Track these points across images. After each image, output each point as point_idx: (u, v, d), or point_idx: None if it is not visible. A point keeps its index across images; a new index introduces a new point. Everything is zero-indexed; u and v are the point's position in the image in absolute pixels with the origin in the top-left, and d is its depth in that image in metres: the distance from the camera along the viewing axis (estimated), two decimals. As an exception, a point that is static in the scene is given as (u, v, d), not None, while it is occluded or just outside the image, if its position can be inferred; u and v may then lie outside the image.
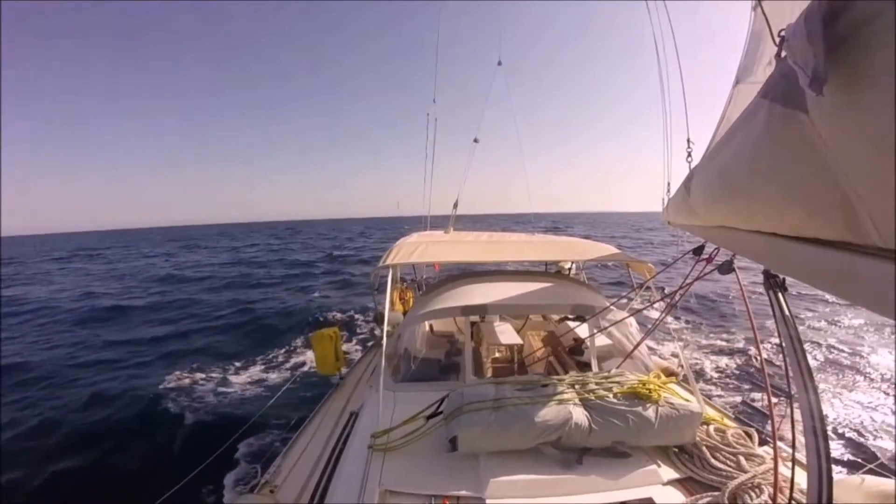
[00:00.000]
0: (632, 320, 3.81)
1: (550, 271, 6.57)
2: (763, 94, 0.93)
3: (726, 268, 1.88)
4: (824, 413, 1.12)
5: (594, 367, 3.54)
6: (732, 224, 1.22)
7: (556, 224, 66.12)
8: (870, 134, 0.63)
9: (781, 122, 0.83)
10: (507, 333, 4.55)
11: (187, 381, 9.07)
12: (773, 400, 2.18)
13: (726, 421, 2.90)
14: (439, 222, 7.27)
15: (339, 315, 14.36)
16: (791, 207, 0.87)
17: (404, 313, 5.85)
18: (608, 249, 4.79)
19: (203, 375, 9.37)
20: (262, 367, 9.90)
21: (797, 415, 1.19)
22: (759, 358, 2.22)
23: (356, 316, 14.05)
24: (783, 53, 0.89)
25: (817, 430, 1.10)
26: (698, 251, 2.32)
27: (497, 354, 4.92)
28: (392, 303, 7.51)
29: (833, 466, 1.08)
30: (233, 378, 9.19)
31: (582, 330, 4.41)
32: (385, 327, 3.52)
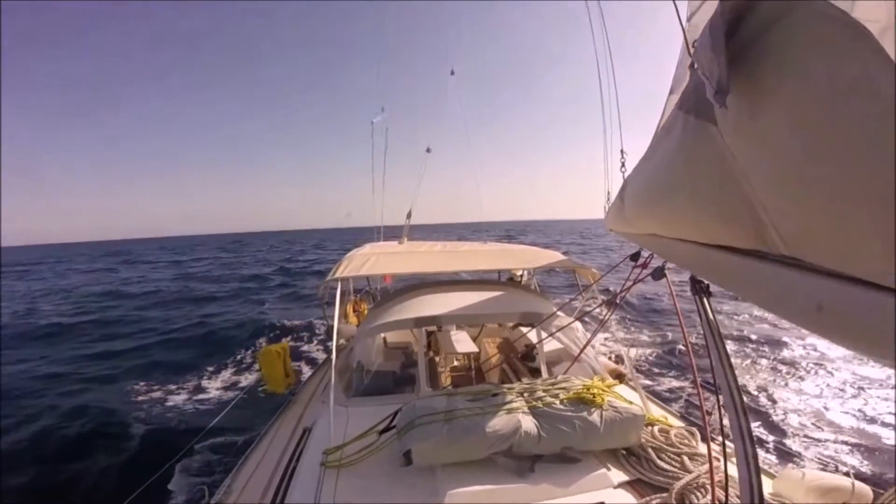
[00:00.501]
0: (578, 325, 3.91)
1: (503, 279, 6.67)
2: (679, 106, 0.95)
3: (658, 273, 1.95)
4: (766, 408, 1.15)
5: (544, 373, 3.59)
6: (660, 232, 1.25)
7: (509, 232, 67.38)
8: (769, 144, 0.64)
9: (694, 133, 0.85)
10: (463, 342, 4.57)
11: (135, 395, 8.73)
12: (709, 399, 2.27)
13: (671, 420, 3.00)
14: (395, 232, 7.22)
15: (290, 328, 13.99)
16: (706, 218, 0.89)
17: (359, 325, 5.75)
18: (556, 256, 4.95)
19: (151, 390, 9.03)
20: (213, 381, 9.60)
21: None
22: (691, 361, 2.32)
23: (309, 329, 13.69)
24: (696, 64, 0.92)
25: (742, 427, 1.13)
26: (635, 257, 2.41)
27: (455, 363, 4.94)
28: (345, 315, 7.38)
29: (775, 461, 1.12)
30: (181, 393, 8.87)
31: (533, 335, 4.49)
32: (335, 341, 3.44)
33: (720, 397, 1.24)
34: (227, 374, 10.02)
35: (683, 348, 9.61)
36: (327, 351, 9.12)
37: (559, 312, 3.80)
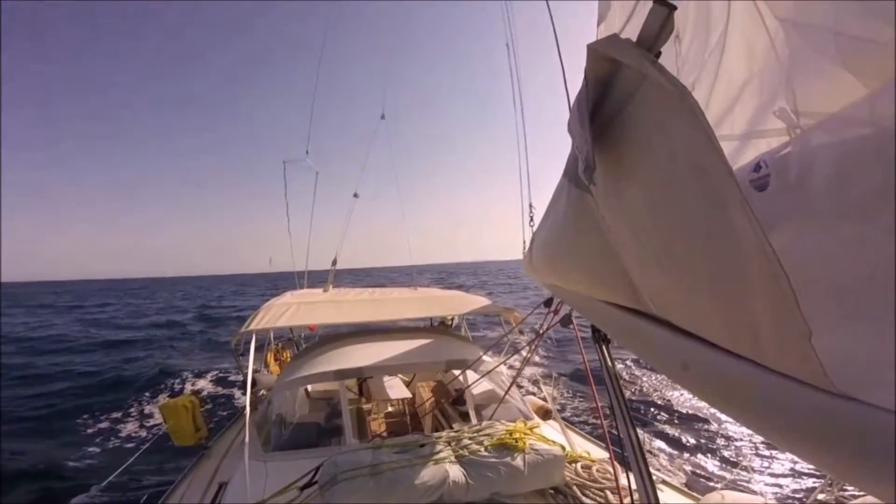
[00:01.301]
0: (503, 367, 3.99)
1: (434, 325, 6.68)
2: (564, 174, 1.04)
3: (566, 321, 2.06)
4: (695, 433, 1.22)
5: (473, 418, 3.60)
6: (561, 285, 1.33)
7: (440, 275, 67.87)
8: (628, 219, 0.72)
9: (576, 203, 0.93)
10: (396, 388, 4.48)
11: (27, 445, 7.88)
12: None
13: (594, 453, 3.10)
14: (321, 277, 6.99)
15: (205, 377, 13.05)
16: (592, 278, 0.96)
17: (279, 375, 5.47)
18: (482, 301, 5.12)
19: (44, 439, 8.23)
20: (117, 431, 8.85)
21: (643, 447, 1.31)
22: (597, 406, 2.49)
23: (225, 379, 12.75)
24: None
25: (640, 466, 1.20)
26: (548, 303, 2.54)
27: (390, 409, 4.80)
28: (266, 364, 6.95)
29: (691, 484, 1.19)
30: (80, 444, 8.05)
31: (463, 379, 4.52)
32: (249, 393, 3.29)
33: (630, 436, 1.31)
34: (131, 426, 9.20)
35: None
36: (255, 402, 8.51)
37: (485, 357, 3.86)
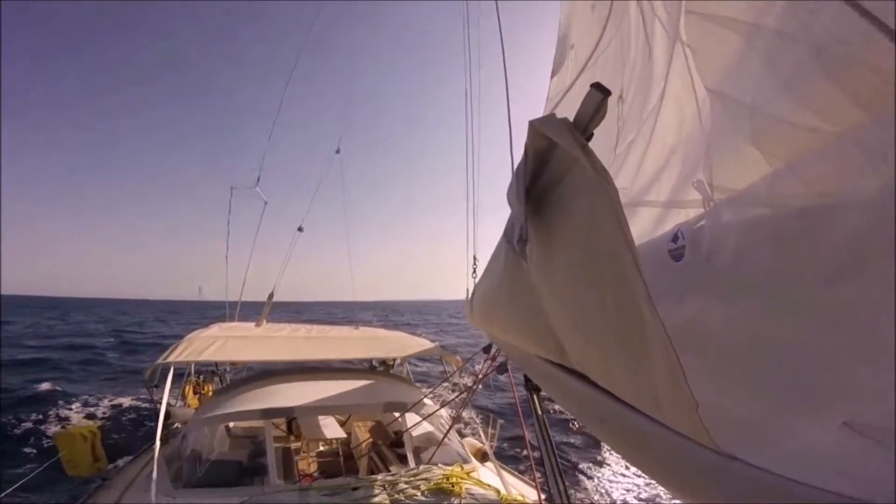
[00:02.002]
0: (443, 410, 3.98)
1: (376, 366, 6.54)
2: (504, 234, 1.13)
3: (502, 368, 2.13)
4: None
5: (411, 462, 3.54)
6: (497, 335, 1.41)
7: (384, 312, 66.67)
8: (553, 289, 0.80)
9: (512, 264, 1.02)
10: (330, 427, 4.30)
11: None
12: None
13: (530, 497, 3.12)
14: (256, 309, 6.67)
15: (114, 407, 11.96)
16: (524, 334, 1.04)
17: (198, 409, 5.12)
18: (425, 344, 5.10)
19: None
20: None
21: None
22: (529, 452, 2.58)
23: (135, 409, 11.72)
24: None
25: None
26: (487, 349, 2.62)
27: (322, 448, 4.59)
28: (184, 396, 6.49)
29: None
30: None
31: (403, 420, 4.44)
32: (160, 426, 3.12)
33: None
34: (21, 451, 8.36)
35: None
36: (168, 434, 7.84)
37: (426, 399, 3.85)
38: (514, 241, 0.86)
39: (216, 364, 7.56)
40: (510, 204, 0.96)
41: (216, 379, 7.24)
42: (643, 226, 2.14)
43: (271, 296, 6.41)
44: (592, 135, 0.73)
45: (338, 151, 7.31)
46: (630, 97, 2.74)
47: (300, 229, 6.78)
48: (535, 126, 0.86)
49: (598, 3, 3.78)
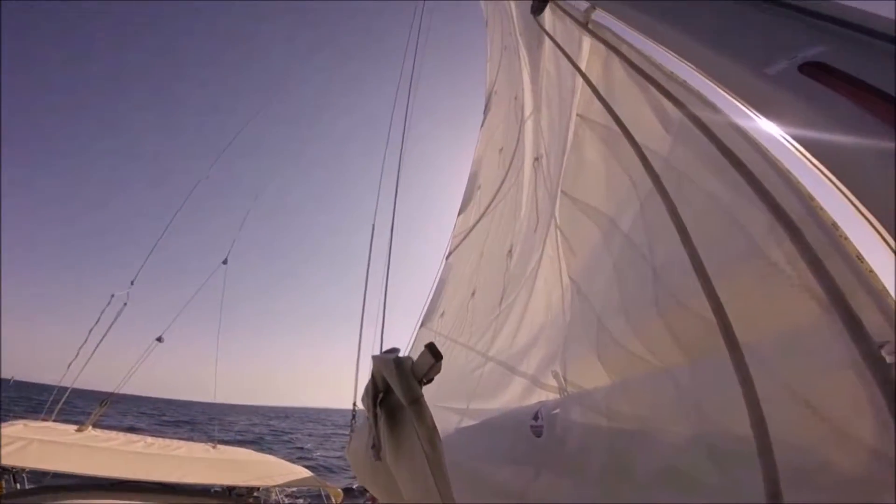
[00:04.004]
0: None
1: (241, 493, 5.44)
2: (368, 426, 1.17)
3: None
4: None
5: None
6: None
7: (266, 416, 59.48)
8: (402, 482, 0.83)
9: (372, 459, 1.03)
10: None
11: None
12: None
13: None
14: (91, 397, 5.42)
15: None
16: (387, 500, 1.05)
17: None
18: (301, 472, 4.43)
19: None
20: None
21: None
22: None
23: None
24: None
25: None
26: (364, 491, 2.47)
27: None
28: None
29: None
30: None
31: None
32: None
33: None
34: None
35: None
36: None
37: None
38: (370, 447, 0.90)
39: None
40: (365, 408, 1.03)
41: (8, 478, 5.54)
42: (515, 392, 2.28)
43: (105, 402, 5.15)
44: (431, 380, 0.83)
45: (224, 262, 6.72)
46: (517, 253, 3.05)
47: (159, 339, 5.87)
48: (376, 362, 0.97)
49: (505, 150, 4.35)
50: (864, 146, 0.50)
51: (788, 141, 0.61)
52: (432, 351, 0.77)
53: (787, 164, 0.74)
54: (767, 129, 0.64)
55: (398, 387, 0.80)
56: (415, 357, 0.83)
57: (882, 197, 0.49)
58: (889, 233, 0.50)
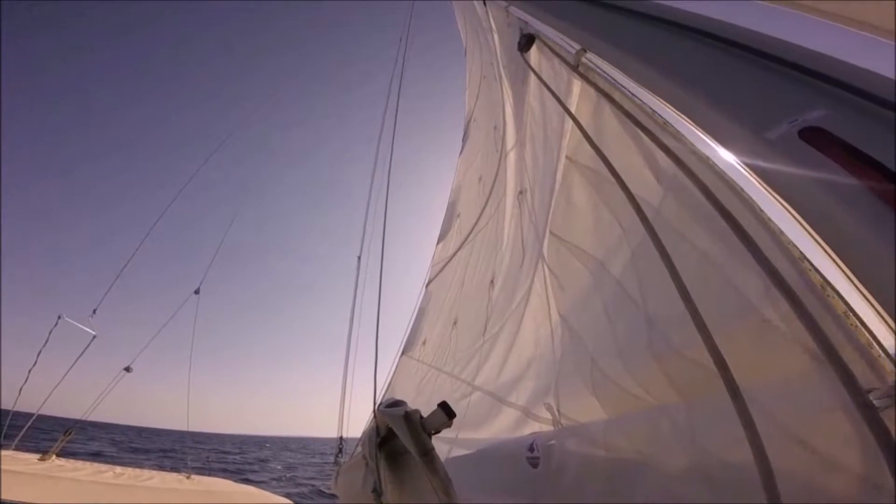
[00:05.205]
0: None
1: None
2: (362, 456, 1.16)
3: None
4: None
5: None
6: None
7: (242, 445, 57.36)
8: None
9: (371, 500, 1.02)
10: None
11: None
12: None
13: None
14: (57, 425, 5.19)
15: None
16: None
17: None
18: (281, 501, 4.39)
19: None
20: None
21: None
22: None
23: None
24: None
25: None
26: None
27: None
28: None
29: None
30: None
31: None
32: None
33: None
34: None
35: None
36: None
37: None
38: (370, 490, 0.88)
39: None
40: (363, 450, 1.03)
41: None
42: (506, 422, 2.27)
43: (69, 431, 4.89)
44: (439, 431, 0.86)
45: (196, 292, 6.60)
46: (499, 284, 3.05)
47: (128, 370, 5.67)
48: (381, 411, 0.99)
49: (484, 179, 4.37)
50: (855, 216, 0.53)
51: (780, 202, 0.64)
52: (446, 410, 0.81)
53: (780, 223, 0.76)
54: (761, 187, 0.66)
55: (409, 441, 0.82)
56: (399, 395, 0.86)
57: (869, 264, 0.53)
58: (871, 293, 0.55)
